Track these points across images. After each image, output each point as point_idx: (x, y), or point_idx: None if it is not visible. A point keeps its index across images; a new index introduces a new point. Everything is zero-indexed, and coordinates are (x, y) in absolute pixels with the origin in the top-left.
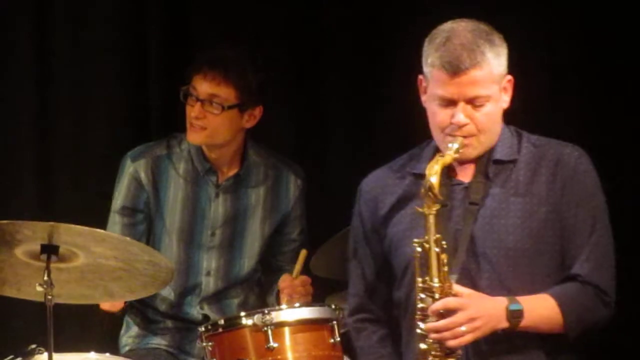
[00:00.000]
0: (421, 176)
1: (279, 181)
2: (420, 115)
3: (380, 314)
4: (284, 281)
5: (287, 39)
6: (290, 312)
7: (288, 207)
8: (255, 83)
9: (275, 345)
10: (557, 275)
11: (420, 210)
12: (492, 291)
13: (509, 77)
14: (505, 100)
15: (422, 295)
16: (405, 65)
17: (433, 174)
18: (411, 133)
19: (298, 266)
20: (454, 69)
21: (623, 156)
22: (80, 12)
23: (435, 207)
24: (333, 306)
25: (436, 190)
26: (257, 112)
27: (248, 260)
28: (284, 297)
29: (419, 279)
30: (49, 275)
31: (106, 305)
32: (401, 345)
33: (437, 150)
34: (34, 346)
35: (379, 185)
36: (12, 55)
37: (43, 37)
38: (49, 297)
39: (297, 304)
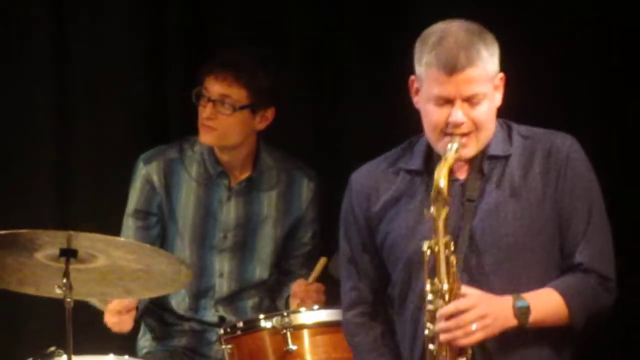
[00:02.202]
0: (415, 172)
1: (292, 185)
2: None
3: (379, 308)
4: (299, 286)
5: (306, 39)
6: (309, 315)
7: (301, 211)
8: (267, 84)
9: (294, 347)
10: (558, 266)
11: (429, 214)
12: (493, 287)
13: (501, 74)
14: (497, 98)
15: (431, 297)
16: None
17: (441, 176)
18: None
19: (315, 273)
20: (451, 68)
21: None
22: (97, 10)
23: (445, 211)
24: None
25: (445, 194)
26: (270, 113)
27: (261, 263)
28: (294, 302)
29: (428, 280)
30: (68, 279)
31: (115, 327)
32: (402, 346)
33: (429, 147)
34: (53, 348)
35: (371, 180)
36: (29, 59)
37: (60, 35)
38: (68, 299)
39: (315, 307)
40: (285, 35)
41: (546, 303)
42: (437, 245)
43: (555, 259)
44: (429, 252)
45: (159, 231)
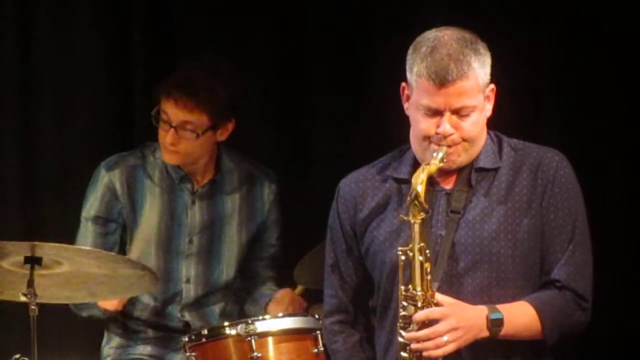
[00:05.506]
0: (403, 181)
1: (254, 187)
2: (401, 124)
3: (357, 317)
4: (286, 293)
5: (270, 47)
6: (274, 322)
7: (263, 213)
8: (226, 100)
9: (259, 355)
10: (534, 279)
11: (405, 218)
12: (474, 298)
13: (492, 86)
14: (488, 109)
15: (405, 304)
16: (389, 74)
17: (419, 182)
18: (393, 144)
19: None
20: (441, 80)
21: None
22: (63, 16)
23: (421, 216)
24: (317, 316)
25: (422, 199)
26: (230, 126)
27: (227, 266)
28: (278, 308)
29: (402, 287)
30: (32, 287)
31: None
32: (377, 352)
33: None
34: (17, 356)
35: (359, 187)
36: None
37: (25, 42)
38: (33, 307)
39: (280, 314)
40: (251, 41)
41: (520, 317)
42: (412, 252)
43: (537, 272)
44: (403, 257)
45: (117, 238)
